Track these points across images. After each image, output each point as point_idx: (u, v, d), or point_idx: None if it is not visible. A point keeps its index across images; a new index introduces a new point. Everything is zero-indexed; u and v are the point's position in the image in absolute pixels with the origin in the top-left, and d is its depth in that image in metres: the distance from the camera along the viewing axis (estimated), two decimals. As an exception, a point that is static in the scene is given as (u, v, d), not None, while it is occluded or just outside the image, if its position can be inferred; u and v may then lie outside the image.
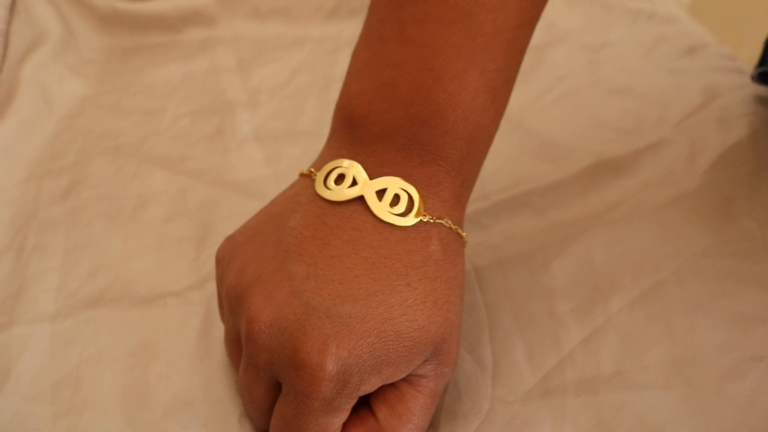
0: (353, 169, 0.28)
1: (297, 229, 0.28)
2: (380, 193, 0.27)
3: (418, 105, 0.27)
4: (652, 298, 0.34)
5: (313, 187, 0.29)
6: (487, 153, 0.30)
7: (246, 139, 0.44)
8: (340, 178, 0.28)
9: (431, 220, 0.27)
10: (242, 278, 0.28)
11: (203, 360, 0.32)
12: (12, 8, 0.53)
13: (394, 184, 0.27)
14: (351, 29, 0.53)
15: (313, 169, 0.29)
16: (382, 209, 0.27)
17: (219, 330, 0.34)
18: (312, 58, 0.50)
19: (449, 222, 0.28)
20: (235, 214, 0.39)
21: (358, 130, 0.28)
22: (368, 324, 0.25)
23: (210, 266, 0.36)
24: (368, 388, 0.26)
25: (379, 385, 0.26)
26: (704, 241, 0.37)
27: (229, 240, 0.31)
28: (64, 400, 0.32)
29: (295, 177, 0.41)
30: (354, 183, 0.27)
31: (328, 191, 0.28)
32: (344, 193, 0.27)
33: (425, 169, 0.28)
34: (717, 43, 0.51)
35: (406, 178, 0.27)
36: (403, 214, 0.27)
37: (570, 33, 0.52)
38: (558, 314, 0.34)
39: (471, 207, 0.38)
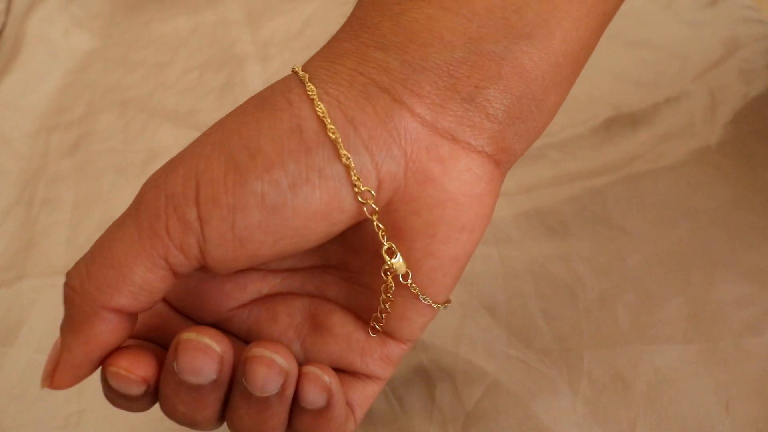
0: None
1: None
2: None
3: None
4: (670, 252, 0.34)
5: None
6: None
7: (256, 92, 0.43)
8: None
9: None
10: None
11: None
12: (16, -41, 0.52)
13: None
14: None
15: None
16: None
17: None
18: (323, 10, 0.49)
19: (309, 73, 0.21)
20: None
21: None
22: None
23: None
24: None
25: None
26: (723, 195, 0.36)
27: None
28: (76, 352, 0.32)
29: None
30: None
31: None
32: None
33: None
34: (740, -7, 0.49)
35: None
36: None
37: (587, -16, 0.51)
38: (574, 269, 0.33)
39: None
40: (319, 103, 0.20)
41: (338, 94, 0.20)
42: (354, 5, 0.22)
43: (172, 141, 0.40)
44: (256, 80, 0.44)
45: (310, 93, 0.20)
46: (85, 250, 0.36)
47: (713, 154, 0.38)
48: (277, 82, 0.21)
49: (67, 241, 0.36)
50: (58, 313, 0.33)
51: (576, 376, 0.29)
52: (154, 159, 0.39)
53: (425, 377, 0.30)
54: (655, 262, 0.33)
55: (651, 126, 0.40)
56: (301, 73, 0.21)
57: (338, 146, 0.19)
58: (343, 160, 0.19)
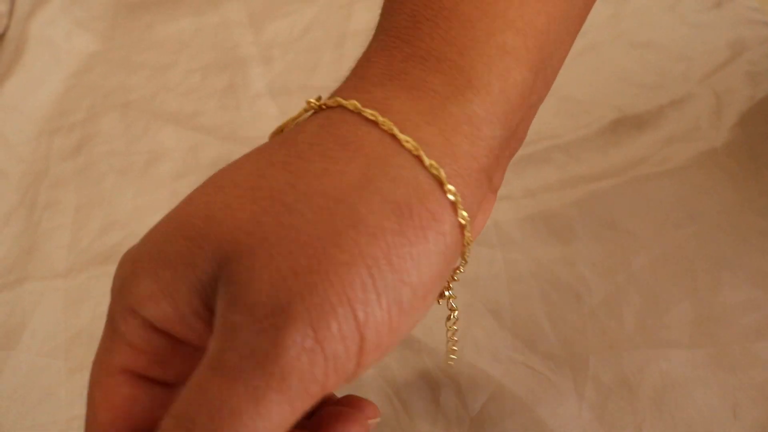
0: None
1: None
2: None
3: None
4: (676, 255, 0.33)
5: None
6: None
7: (260, 94, 0.43)
8: None
9: (324, 106, 0.19)
10: None
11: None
12: (18, -38, 0.52)
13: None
14: (365, -18, 0.51)
15: None
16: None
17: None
18: (326, 13, 0.49)
19: (360, 102, 0.18)
20: (248, 170, 0.38)
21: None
22: (170, 214, 0.18)
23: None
24: (137, 294, 0.17)
25: (155, 291, 0.17)
26: (729, 198, 0.36)
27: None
28: (78, 356, 0.31)
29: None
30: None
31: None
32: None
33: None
34: (745, -5, 0.49)
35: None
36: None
37: (591, -14, 0.50)
38: (579, 273, 0.33)
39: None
40: (463, 212, 0.18)
41: (465, 191, 0.18)
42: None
43: (174, 143, 0.40)
44: (258, 82, 0.44)
45: (452, 197, 0.18)
46: (87, 253, 0.36)
47: (719, 156, 0.38)
48: (401, 174, 0.17)
49: (69, 244, 0.36)
50: (59, 316, 0.33)
51: (581, 381, 0.29)
52: (156, 161, 0.39)
53: (429, 382, 0.30)
54: (660, 266, 0.33)
55: (656, 128, 0.40)
56: (433, 166, 0.18)
57: (466, 252, 0.19)
58: (466, 256, 0.19)
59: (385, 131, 0.18)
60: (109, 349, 0.18)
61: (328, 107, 0.19)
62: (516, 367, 0.30)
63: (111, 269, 0.34)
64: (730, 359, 0.29)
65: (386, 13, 0.21)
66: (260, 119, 0.42)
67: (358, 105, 0.18)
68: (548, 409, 0.28)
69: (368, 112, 0.18)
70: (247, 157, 0.19)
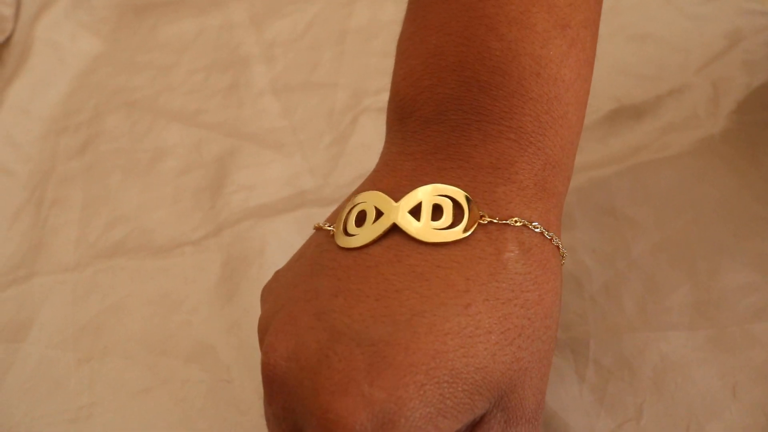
0: (372, 199, 0.22)
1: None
2: (415, 212, 0.21)
3: (471, 66, 0.21)
4: (675, 241, 0.34)
5: (330, 242, 0.22)
6: (579, 126, 0.23)
7: (262, 91, 0.44)
8: (362, 217, 0.22)
9: (495, 221, 0.21)
10: (272, 306, 0.22)
11: (224, 306, 0.33)
12: (23, -33, 0.53)
13: (429, 192, 0.21)
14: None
15: (322, 224, 0.23)
16: (424, 229, 0.20)
17: (239, 276, 0.34)
18: (327, 11, 0.49)
19: (529, 220, 0.21)
20: (251, 165, 0.39)
21: (408, 118, 0.23)
22: (414, 356, 0.18)
23: (226, 214, 0.36)
24: None
25: None
26: (728, 184, 0.36)
27: (275, 274, 0.25)
28: (86, 347, 0.32)
29: (311, 127, 0.41)
30: (379, 214, 0.21)
31: (351, 238, 0.21)
32: (370, 230, 0.21)
33: (489, 146, 0.21)
34: (741, -14, 0.49)
35: (465, 162, 0.21)
36: (453, 226, 0.21)
37: (589, -20, 0.51)
38: (579, 259, 0.33)
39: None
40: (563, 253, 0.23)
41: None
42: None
43: (178, 140, 0.41)
44: (260, 80, 0.45)
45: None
46: (94, 248, 0.37)
47: (717, 144, 0.38)
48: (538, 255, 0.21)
49: (77, 239, 0.36)
50: (67, 309, 0.34)
51: (582, 364, 0.29)
52: (161, 158, 0.40)
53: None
54: (660, 251, 0.33)
55: (655, 118, 0.40)
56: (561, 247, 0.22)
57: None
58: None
59: (550, 242, 0.22)
60: None
61: (495, 224, 0.21)
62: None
63: (117, 263, 0.35)
64: (729, 341, 0.30)
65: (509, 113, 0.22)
66: (262, 116, 0.42)
67: (546, 232, 0.21)
68: (549, 391, 0.29)
69: (548, 233, 0.21)
70: (468, 295, 0.20)
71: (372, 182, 0.23)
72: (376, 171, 0.24)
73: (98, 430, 0.30)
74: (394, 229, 0.21)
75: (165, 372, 0.31)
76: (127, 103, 0.44)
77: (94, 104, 0.44)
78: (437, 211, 0.21)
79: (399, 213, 0.21)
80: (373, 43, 0.45)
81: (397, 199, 0.21)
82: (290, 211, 0.37)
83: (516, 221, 0.21)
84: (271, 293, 0.23)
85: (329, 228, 0.22)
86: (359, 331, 0.19)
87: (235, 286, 0.34)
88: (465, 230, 0.21)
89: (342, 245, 0.21)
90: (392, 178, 0.22)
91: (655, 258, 0.33)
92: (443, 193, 0.21)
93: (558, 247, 0.22)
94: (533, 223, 0.21)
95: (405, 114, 0.23)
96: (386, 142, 0.24)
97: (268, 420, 0.21)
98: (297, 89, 0.44)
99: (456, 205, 0.21)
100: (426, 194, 0.21)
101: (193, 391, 0.30)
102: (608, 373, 0.29)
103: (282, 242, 0.35)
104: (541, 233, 0.21)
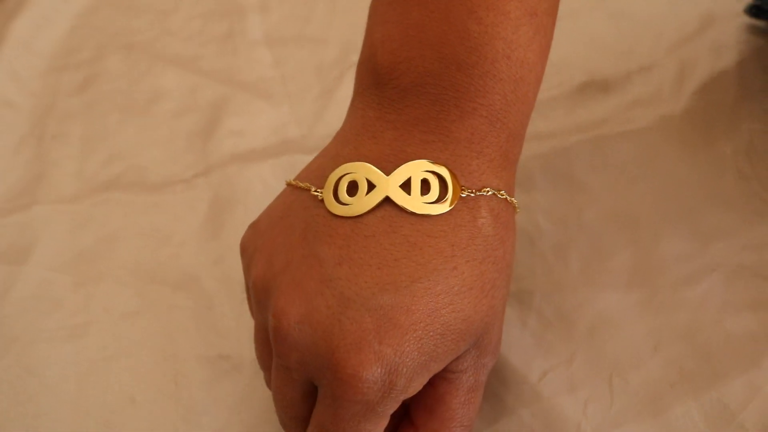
0: (362, 170, 0.24)
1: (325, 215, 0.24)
2: (405, 186, 0.24)
3: (451, 44, 0.24)
4: (624, 209, 0.37)
5: (319, 206, 0.25)
6: (534, 102, 0.27)
7: (256, 42, 0.46)
8: (353, 186, 0.24)
9: (472, 194, 0.24)
10: (269, 267, 0.25)
11: (210, 242, 0.36)
12: None
13: (417, 168, 0.24)
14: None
15: (300, 183, 0.26)
16: (415, 203, 0.24)
17: (225, 215, 0.37)
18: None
19: (497, 189, 0.25)
20: (242, 112, 0.41)
21: (385, 85, 0.25)
22: (414, 316, 0.22)
23: (216, 157, 0.39)
24: (415, 388, 0.24)
25: (424, 384, 0.24)
26: (681, 161, 0.39)
27: (253, 226, 0.28)
28: (82, 272, 0.35)
29: (300, 80, 0.43)
30: (371, 186, 0.24)
31: (345, 207, 0.24)
32: (364, 201, 0.24)
33: (465, 122, 0.24)
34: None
35: (445, 137, 0.24)
36: (439, 200, 0.24)
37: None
38: (534, 219, 0.36)
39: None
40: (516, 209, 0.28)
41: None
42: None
43: (174, 84, 0.43)
44: (255, 30, 0.47)
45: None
46: (92, 181, 0.39)
47: (677, 122, 0.41)
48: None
49: (76, 172, 0.39)
50: (66, 236, 0.37)
51: (526, 313, 0.33)
52: (157, 100, 0.42)
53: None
54: (609, 218, 0.36)
55: (622, 93, 0.43)
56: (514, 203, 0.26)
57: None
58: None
59: (511, 204, 0.26)
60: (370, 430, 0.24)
61: (472, 195, 0.25)
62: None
63: (112, 196, 0.38)
64: (658, 303, 0.33)
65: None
66: (255, 65, 0.44)
67: (509, 197, 0.25)
68: (495, 336, 0.32)
69: (510, 198, 0.26)
70: (454, 259, 0.24)
71: (355, 148, 0.25)
72: (356, 134, 0.26)
73: (92, 346, 0.33)
74: (385, 200, 0.24)
75: (154, 298, 0.34)
76: (127, 45, 0.46)
77: (95, 44, 0.46)
78: (425, 185, 0.24)
79: (391, 186, 0.24)
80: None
81: (384, 170, 0.24)
82: (275, 157, 0.40)
83: (487, 191, 0.25)
84: (261, 242, 0.26)
85: (317, 192, 0.25)
86: (367, 297, 0.23)
87: (221, 224, 0.37)
88: (450, 204, 0.24)
89: (338, 213, 0.24)
90: (375, 145, 0.25)
91: (604, 223, 0.36)
92: (430, 169, 0.24)
93: (515, 207, 0.26)
94: (501, 192, 0.25)
95: (381, 80, 0.25)
96: (359, 102, 0.26)
97: (276, 369, 0.25)
98: (289, 42, 0.46)
99: (441, 180, 0.24)
100: (415, 169, 0.24)
101: (178, 315, 0.34)
102: (548, 322, 0.32)
103: (266, 186, 0.38)
104: (505, 199, 0.25)
